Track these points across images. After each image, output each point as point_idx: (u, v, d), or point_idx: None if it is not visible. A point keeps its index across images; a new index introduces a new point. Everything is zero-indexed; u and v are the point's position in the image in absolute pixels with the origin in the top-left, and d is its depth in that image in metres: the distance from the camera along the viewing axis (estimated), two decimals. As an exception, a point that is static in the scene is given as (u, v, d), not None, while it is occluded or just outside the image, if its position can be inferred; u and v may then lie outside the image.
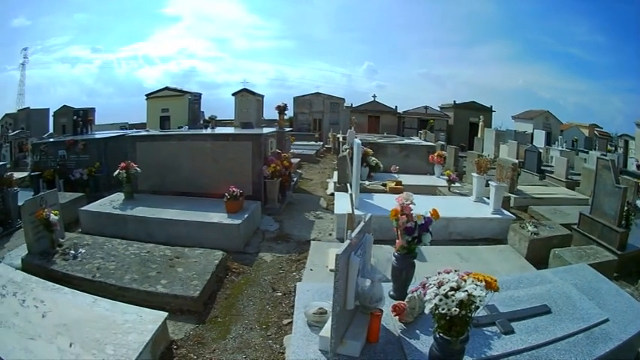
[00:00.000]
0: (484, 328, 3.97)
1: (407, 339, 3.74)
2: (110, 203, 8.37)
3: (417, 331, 3.82)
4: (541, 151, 22.35)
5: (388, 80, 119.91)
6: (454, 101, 41.28)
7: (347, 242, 3.51)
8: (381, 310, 3.81)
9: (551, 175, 17.87)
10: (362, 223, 4.11)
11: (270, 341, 4.90)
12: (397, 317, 3.95)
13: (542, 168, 19.77)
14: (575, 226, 9.04)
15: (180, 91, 30.87)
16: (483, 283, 3.06)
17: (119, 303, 4.72)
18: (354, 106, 38.60)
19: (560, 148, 27.05)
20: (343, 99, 36.96)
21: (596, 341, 4.07)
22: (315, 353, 3.51)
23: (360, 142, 9.19)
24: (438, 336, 3.10)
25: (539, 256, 7.64)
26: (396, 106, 40.16)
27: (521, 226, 8.42)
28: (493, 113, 40.91)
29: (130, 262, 6.27)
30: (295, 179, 13.42)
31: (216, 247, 6.97)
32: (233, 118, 29.09)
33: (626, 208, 8.16)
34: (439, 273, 3.21)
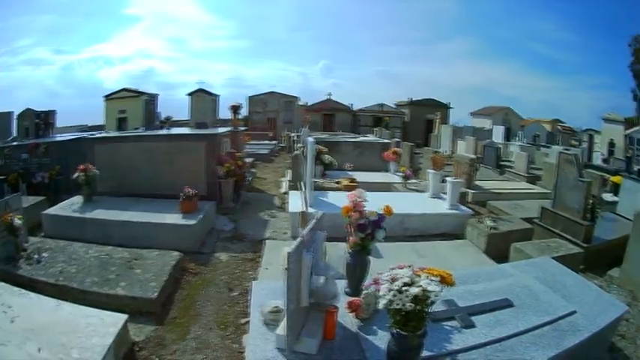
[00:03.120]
0: (443, 323, 3.91)
1: (364, 335, 3.67)
2: (70, 206, 8.18)
3: (374, 327, 3.76)
4: (500, 146, 22.65)
5: (344, 78, 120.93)
6: (410, 98, 41.18)
7: (298, 240, 3.45)
8: (336, 307, 3.74)
9: (511, 170, 18.10)
10: (314, 221, 4.03)
11: (229, 341, 4.89)
12: (353, 314, 3.89)
13: (502, 163, 19.91)
14: (537, 220, 9.06)
15: (138, 92, 30.40)
16: (438, 278, 2.99)
17: (81, 306, 4.60)
18: (308, 104, 38.52)
19: (520, 144, 27.39)
20: (297, 97, 37.24)
21: (563, 333, 4.01)
22: (273, 352, 3.42)
23: (313, 140, 9.15)
24: (394, 331, 3.02)
25: (498, 250, 7.60)
26: (351, 104, 40.57)
27: (479, 221, 8.42)
28: (451, 110, 41.42)
29: (91, 265, 6.14)
30: (249, 178, 13.36)
31: (173, 247, 6.88)
32: (189, 119, 28.68)
33: (591, 201, 8.18)
34: (392, 269, 3.13)
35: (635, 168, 19.53)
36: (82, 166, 8.59)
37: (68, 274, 5.84)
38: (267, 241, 8.00)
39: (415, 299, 2.81)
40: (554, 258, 6.21)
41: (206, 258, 7.26)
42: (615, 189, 13.67)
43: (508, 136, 31.81)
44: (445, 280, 3.02)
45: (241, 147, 14.45)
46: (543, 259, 6.13)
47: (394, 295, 2.87)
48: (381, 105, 40.75)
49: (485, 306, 4.30)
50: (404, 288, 2.88)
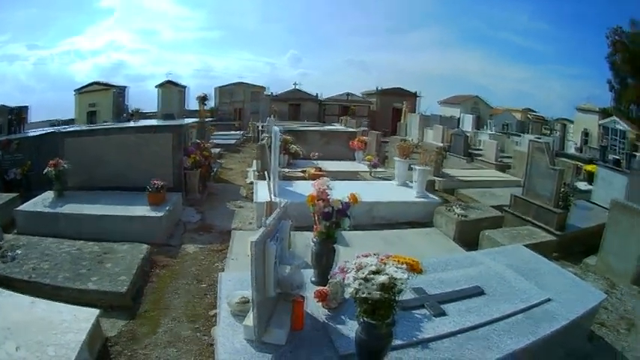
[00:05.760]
0: (413, 311, 3.89)
1: (332, 325, 3.64)
2: (42, 202, 8.03)
3: (343, 317, 3.73)
4: (469, 134, 23.01)
5: (313, 68, 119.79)
6: (377, 87, 41.08)
7: (262, 229, 3.42)
8: (303, 297, 3.70)
9: (481, 159, 18.17)
10: (278, 210, 4.05)
11: (199, 333, 4.86)
12: (321, 303, 3.86)
13: (471, 152, 20.03)
14: (508, 208, 9.09)
15: (108, 85, 30.04)
16: (405, 266, 2.95)
17: (55, 303, 4.54)
18: (275, 94, 38.30)
19: (489, 132, 27.62)
20: (264, 88, 36.85)
21: (538, 321, 3.99)
22: (242, 343, 3.37)
23: (278, 129, 9.12)
24: (362, 320, 2.97)
25: (468, 238, 7.61)
26: (318, 94, 40.24)
27: (448, 209, 8.41)
28: (419, 99, 41.00)
29: (63, 260, 6.01)
30: (216, 169, 13.22)
31: (142, 240, 6.77)
32: (157, 110, 28.50)
33: (563, 189, 8.22)
34: (358, 257, 3.09)
35: (610, 157, 19.65)
36: (52, 161, 8.42)
37: (41, 271, 5.73)
38: (234, 231, 7.96)
39: (382, 287, 2.77)
40: (526, 246, 6.23)
41: (174, 250, 7.17)
42: (589, 178, 13.86)
43: (477, 124, 32.05)
44: (413, 268, 3.00)
45: (208, 138, 14.67)
46: (515, 247, 6.17)
47: (360, 284, 2.82)
48: (349, 94, 40.64)
49: (456, 294, 4.28)
50: (370, 276, 2.84)
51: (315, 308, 3.85)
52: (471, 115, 32.78)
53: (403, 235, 7.65)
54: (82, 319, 4.21)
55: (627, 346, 5.13)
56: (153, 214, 7.50)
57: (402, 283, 2.77)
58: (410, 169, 10.22)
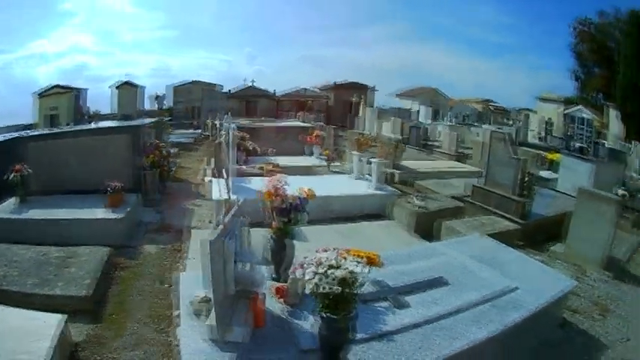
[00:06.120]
0: (376, 304, 3.86)
1: (294, 321, 3.64)
2: (6, 208, 7.84)
3: (305, 312, 3.71)
4: (427, 127, 23.10)
5: (269, 65, 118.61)
6: (334, 82, 41.02)
7: (218, 228, 3.41)
8: (262, 294, 3.70)
9: (439, 150, 18.27)
10: (234, 208, 4.02)
11: (164, 335, 4.82)
12: (282, 300, 3.87)
13: (429, 143, 20.13)
14: (468, 198, 9.12)
15: (69, 88, 29.64)
16: (364, 260, 2.95)
17: (25, 310, 4.50)
18: (231, 92, 38.18)
19: (448, 124, 27.41)
20: (221, 85, 36.65)
21: (505, 310, 4.02)
22: (204, 342, 3.35)
23: (233, 127, 9.23)
24: (324, 315, 2.96)
25: (427, 229, 7.60)
26: (274, 90, 40.00)
27: (406, 201, 8.41)
28: (376, 92, 40.95)
29: (30, 266, 5.91)
30: (174, 168, 13.08)
31: (103, 243, 6.69)
32: (116, 111, 28.24)
33: (527, 178, 8.27)
34: (317, 252, 3.07)
35: (576, 145, 19.99)
36: (16, 167, 8.28)
37: (11, 278, 5.63)
38: (192, 230, 7.86)
39: (342, 282, 2.78)
40: (489, 235, 6.28)
41: (135, 251, 7.07)
42: (553, 166, 14.01)
43: (436, 116, 32.51)
44: (372, 261, 3.00)
45: (165, 137, 14.53)
46: (476, 237, 6.20)
47: (320, 279, 2.82)
48: (304, 89, 40.51)
49: (418, 285, 4.27)
50: (329, 271, 2.84)
51: (275, 305, 3.86)
52: (429, 107, 33.26)
53: (361, 228, 7.68)
54: (51, 325, 4.17)
55: (604, 332, 5.18)
56: (112, 216, 7.44)
57: (362, 277, 2.79)
58: (367, 162, 10.24)
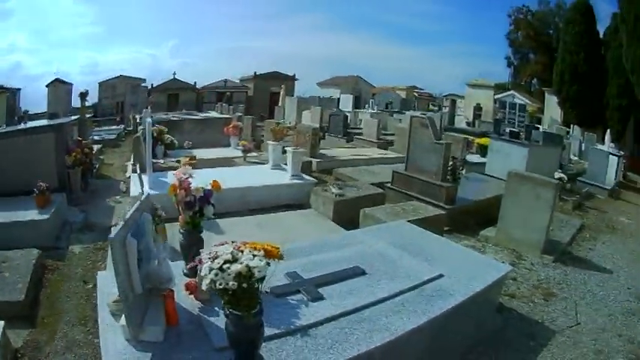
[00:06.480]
0: (289, 298, 3.70)
1: (206, 317, 3.48)
2: None
3: (216, 309, 3.52)
4: (348, 114, 23.16)
5: (194, 57, 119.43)
6: (255, 72, 41.31)
7: (120, 224, 3.24)
8: (172, 290, 3.54)
9: (361, 137, 18.20)
10: (137, 203, 3.83)
11: (91, 336, 4.70)
12: (193, 296, 3.71)
13: (350, 131, 20.17)
14: (389, 185, 9.07)
15: (4, 88, 28.95)
16: (262, 252, 2.83)
17: None
18: (154, 86, 38.03)
19: (370, 111, 27.98)
20: (143, 79, 36.76)
21: (431, 299, 3.88)
22: (123, 343, 3.20)
23: (150, 120, 8.95)
24: (228, 312, 2.84)
25: (347, 217, 7.46)
26: (195, 82, 40.47)
27: (324, 189, 8.29)
28: (300, 82, 41.97)
29: (-33, 273, 5.99)
30: (97, 165, 12.88)
31: (33, 245, 6.52)
32: (47, 110, 27.84)
33: (452, 163, 8.22)
34: (215, 246, 2.96)
35: (507, 130, 20.39)
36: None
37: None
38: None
39: (239, 276, 2.66)
40: (413, 221, 6.16)
41: (62, 252, 6.90)
42: (482, 151, 14.12)
43: (359, 104, 32.97)
44: (271, 254, 2.88)
45: (88, 134, 14.34)
46: (398, 223, 6.07)
47: (216, 275, 2.70)
48: (225, 81, 40.91)
49: (333, 276, 4.12)
50: (225, 266, 2.72)
51: (188, 301, 3.71)
52: (350, 95, 33.22)
53: (279, 218, 7.56)
54: (-9, 332, 4.23)
55: (550, 317, 5.17)
56: (39, 217, 7.23)
57: (260, 271, 2.68)
58: (283, 151, 10.18)
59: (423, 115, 10.47)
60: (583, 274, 6.59)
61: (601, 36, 26.40)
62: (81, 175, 9.47)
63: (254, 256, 2.75)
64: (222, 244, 2.91)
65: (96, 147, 14.45)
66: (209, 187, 4.25)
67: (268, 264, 2.75)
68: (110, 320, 3.50)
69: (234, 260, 2.73)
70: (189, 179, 4.23)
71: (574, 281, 6.31)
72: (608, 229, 9.55)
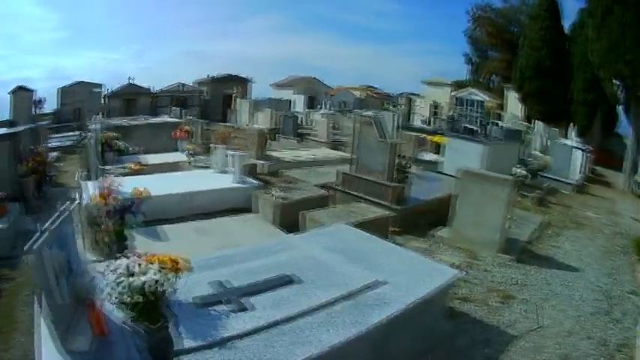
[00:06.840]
0: (214, 308, 3.50)
1: (132, 327, 3.20)
2: None
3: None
4: (300, 115, 23.61)
5: (153, 61, 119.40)
6: (208, 75, 41.47)
7: (37, 235, 3.08)
8: (96, 301, 3.32)
9: (314, 139, 18.33)
10: (57, 214, 3.67)
11: None
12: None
13: (303, 132, 20.34)
14: (336, 186, 8.91)
15: None
16: (169, 264, 2.75)
17: None
18: (110, 90, 37.86)
19: (323, 111, 28.11)
20: (100, 85, 36.37)
21: (367, 308, 3.70)
22: (59, 353, 3.01)
23: (97, 128, 8.97)
24: (136, 327, 2.78)
25: (290, 221, 7.28)
26: (151, 87, 40.16)
27: (266, 192, 8.15)
28: (253, 84, 41.68)
29: None
30: (54, 174, 12.64)
31: None
32: (10, 118, 27.46)
33: (399, 162, 8.12)
34: (116, 259, 2.86)
35: (463, 127, 20.46)
36: None
37: None
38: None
39: (138, 290, 2.59)
40: (359, 223, 6.04)
41: (18, 262, 6.75)
42: (437, 149, 14.09)
43: (312, 104, 33.27)
44: (176, 267, 2.68)
45: (44, 142, 14.12)
46: (338, 226, 5.87)
47: (113, 288, 2.65)
48: (182, 84, 40.70)
49: (264, 285, 3.94)
50: (120, 280, 2.65)
51: (115, 312, 3.45)
52: (303, 96, 34.05)
53: (220, 223, 7.42)
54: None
55: (509, 320, 4.98)
56: (-5, 227, 7.54)
57: (162, 284, 2.61)
58: (226, 155, 10.09)
59: (366, 115, 10.27)
60: (545, 274, 6.48)
61: (566, 32, 26.72)
62: (36, 184, 9.42)
63: (159, 269, 2.65)
64: (127, 257, 2.79)
65: (53, 154, 14.36)
66: (136, 197, 4.13)
67: (170, 278, 2.65)
68: (49, 329, 3.29)
69: (132, 274, 2.63)
70: (114, 188, 4.14)
71: (535, 281, 6.19)
72: (574, 224, 9.50)
